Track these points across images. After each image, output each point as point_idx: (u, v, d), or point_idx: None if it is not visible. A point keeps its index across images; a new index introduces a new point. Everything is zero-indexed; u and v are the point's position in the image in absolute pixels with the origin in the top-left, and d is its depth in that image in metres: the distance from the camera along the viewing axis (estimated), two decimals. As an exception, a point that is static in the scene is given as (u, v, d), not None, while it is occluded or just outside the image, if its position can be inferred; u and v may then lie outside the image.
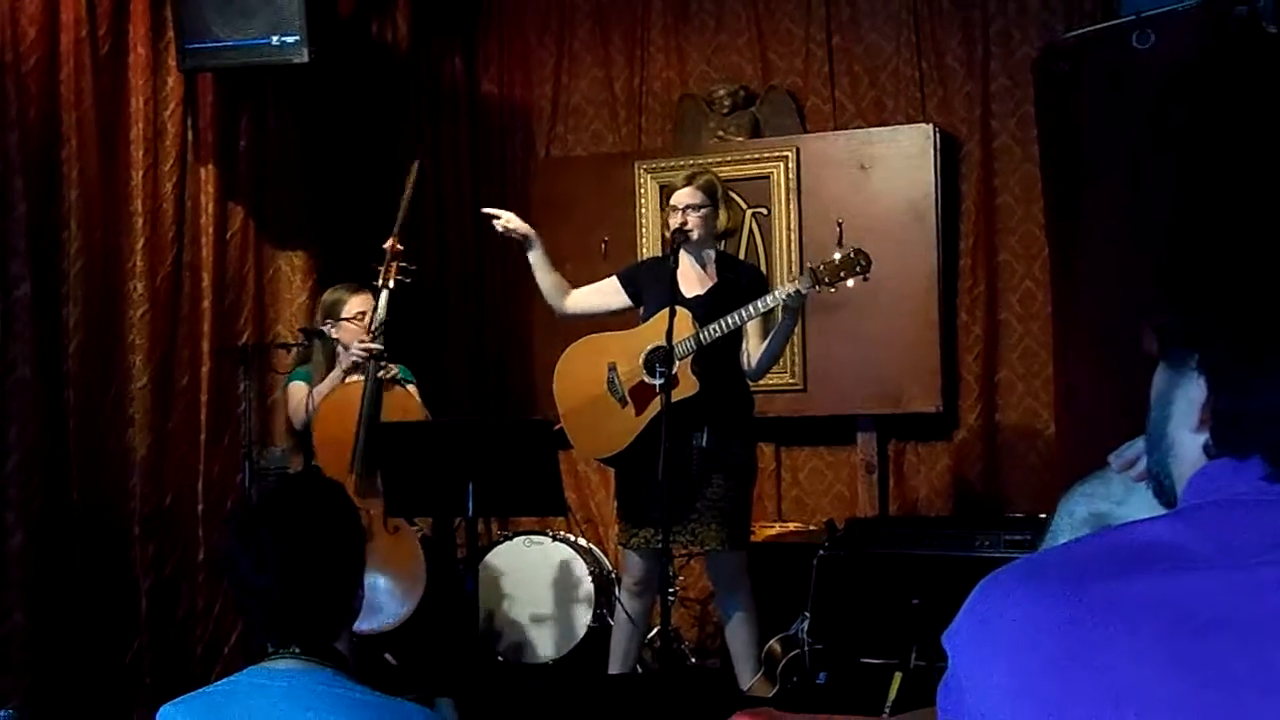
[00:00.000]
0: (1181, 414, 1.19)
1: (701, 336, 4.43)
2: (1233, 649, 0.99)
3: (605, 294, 4.83)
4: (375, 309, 4.79)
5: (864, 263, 4.37)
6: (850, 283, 4.38)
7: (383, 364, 4.76)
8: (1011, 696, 1.07)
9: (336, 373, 4.82)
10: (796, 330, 5.75)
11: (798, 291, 4.36)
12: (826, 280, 4.36)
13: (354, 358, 4.74)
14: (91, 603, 4.87)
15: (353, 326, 4.86)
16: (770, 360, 4.65)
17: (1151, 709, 0.99)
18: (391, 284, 4.78)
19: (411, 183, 4.87)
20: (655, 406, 4.46)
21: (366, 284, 4.88)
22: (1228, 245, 4.52)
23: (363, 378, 4.74)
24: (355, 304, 4.91)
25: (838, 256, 4.41)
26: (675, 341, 4.33)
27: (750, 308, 4.42)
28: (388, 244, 4.79)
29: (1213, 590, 1.02)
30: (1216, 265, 4.46)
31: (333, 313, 4.92)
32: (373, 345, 4.71)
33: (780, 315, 4.50)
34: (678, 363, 4.40)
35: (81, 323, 4.88)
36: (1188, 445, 1.19)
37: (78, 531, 4.84)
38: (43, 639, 4.63)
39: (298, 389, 4.93)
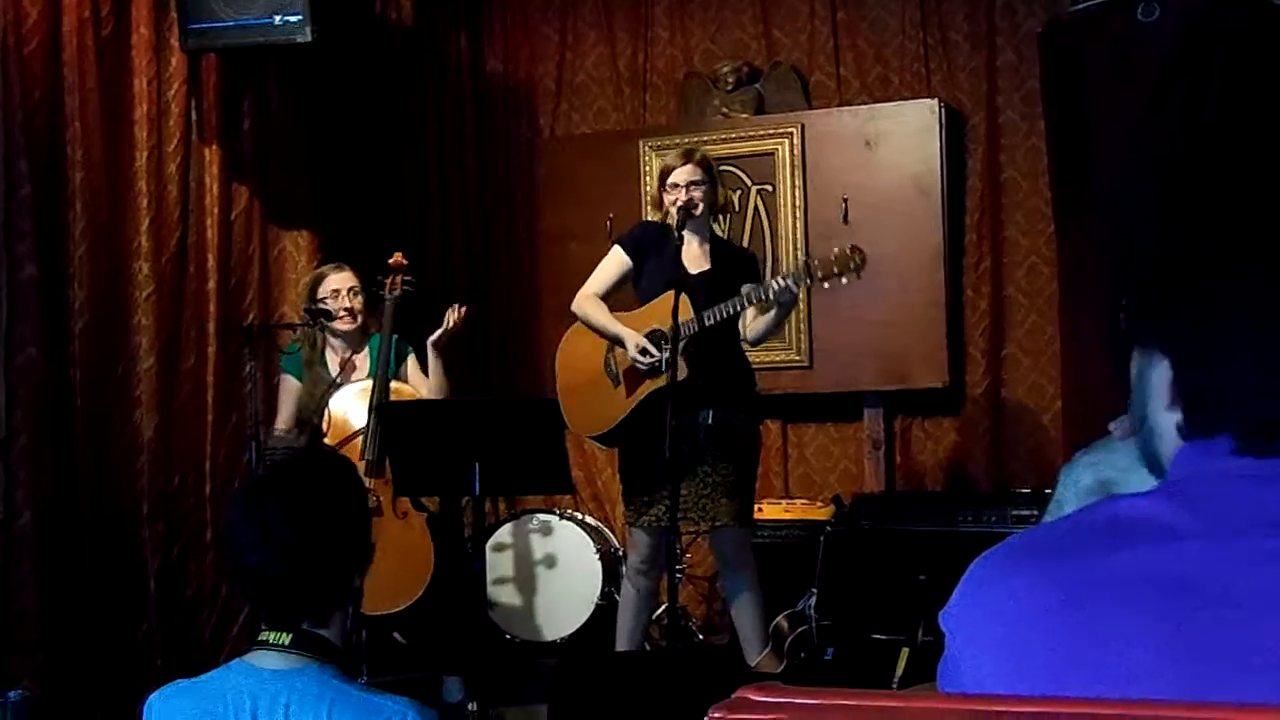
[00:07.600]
0: (1157, 395, 1.18)
1: (696, 323, 4.41)
2: (1224, 621, 0.99)
3: (618, 269, 4.74)
4: (383, 321, 4.90)
5: (858, 261, 4.40)
6: (844, 280, 4.41)
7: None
8: (1006, 673, 1.07)
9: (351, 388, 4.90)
10: (802, 306, 5.75)
11: (788, 288, 4.40)
12: (820, 276, 4.42)
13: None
14: (100, 583, 4.89)
15: (330, 304, 4.88)
16: (766, 339, 4.74)
17: (1144, 682, 0.99)
18: (398, 293, 4.91)
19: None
20: (645, 389, 4.50)
21: (364, 269, 4.98)
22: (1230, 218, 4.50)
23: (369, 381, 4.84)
24: (333, 281, 4.93)
25: (835, 253, 4.45)
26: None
27: (745, 299, 4.45)
28: (393, 259, 4.92)
29: (1203, 562, 1.02)
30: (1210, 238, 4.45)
31: (310, 291, 4.97)
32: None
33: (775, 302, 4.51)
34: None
35: (87, 304, 4.88)
36: (1166, 425, 1.18)
37: (86, 512, 4.85)
38: (52, 619, 4.64)
39: (287, 387, 4.99)
